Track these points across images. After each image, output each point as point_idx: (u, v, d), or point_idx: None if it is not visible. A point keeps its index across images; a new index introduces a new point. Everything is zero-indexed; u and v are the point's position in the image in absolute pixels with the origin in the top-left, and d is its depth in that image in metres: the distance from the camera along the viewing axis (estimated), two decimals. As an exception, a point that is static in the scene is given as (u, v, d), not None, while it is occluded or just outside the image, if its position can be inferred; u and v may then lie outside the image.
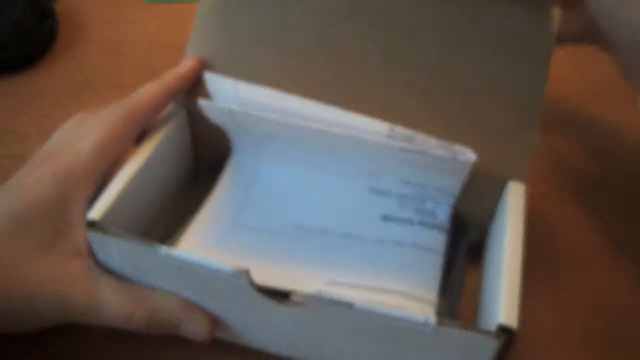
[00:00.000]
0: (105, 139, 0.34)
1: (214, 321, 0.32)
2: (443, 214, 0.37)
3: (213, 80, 0.37)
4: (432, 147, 0.33)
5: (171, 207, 0.39)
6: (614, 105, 0.50)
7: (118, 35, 0.56)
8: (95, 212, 0.31)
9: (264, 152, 0.39)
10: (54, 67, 0.53)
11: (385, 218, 0.37)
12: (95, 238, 0.31)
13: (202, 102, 0.36)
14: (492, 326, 0.28)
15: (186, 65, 0.37)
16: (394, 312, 0.28)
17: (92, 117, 0.35)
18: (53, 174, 0.32)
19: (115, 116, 0.34)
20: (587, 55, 0.45)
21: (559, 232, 0.41)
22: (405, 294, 0.34)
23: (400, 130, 0.34)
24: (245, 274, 0.29)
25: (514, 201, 0.34)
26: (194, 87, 0.38)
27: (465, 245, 0.39)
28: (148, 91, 0.36)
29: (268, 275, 0.31)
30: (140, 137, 0.36)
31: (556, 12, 0.35)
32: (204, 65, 0.38)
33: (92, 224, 0.31)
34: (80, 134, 0.34)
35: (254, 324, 0.32)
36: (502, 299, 0.29)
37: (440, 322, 0.28)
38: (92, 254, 0.32)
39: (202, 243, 0.36)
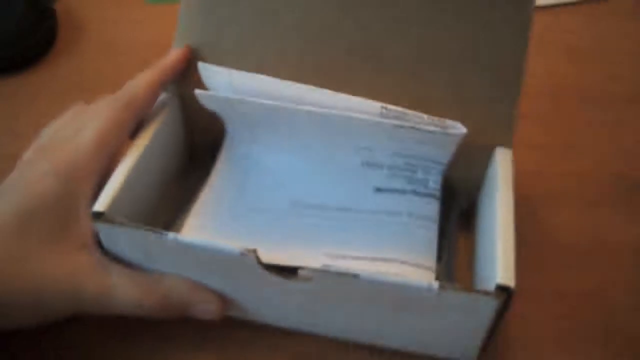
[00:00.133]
0: (104, 132, 0.34)
1: (224, 300, 0.33)
2: (434, 182, 0.38)
3: (207, 71, 0.37)
4: (424, 124, 0.34)
5: (172, 194, 0.39)
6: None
7: (118, 36, 0.55)
8: (101, 204, 0.32)
9: (259, 135, 0.39)
10: (53, 67, 0.53)
11: (379, 189, 0.38)
12: (103, 229, 0.32)
13: (198, 92, 0.36)
14: (491, 286, 0.29)
15: (175, 54, 0.38)
16: (398, 279, 0.29)
17: (88, 110, 0.35)
18: (55, 168, 0.32)
19: (113, 108, 0.34)
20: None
21: (559, 232, 0.41)
22: (405, 261, 0.35)
23: (393, 107, 0.35)
24: (253, 253, 0.30)
25: (502, 166, 0.35)
26: (184, 74, 0.38)
27: (457, 211, 0.40)
28: (142, 82, 0.36)
29: (272, 253, 0.31)
30: (136, 128, 0.36)
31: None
32: (192, 53, 0.38)
33: (99, 215, 0.31)
34: (78, 127, 0.34)
35: (263, 301, 0.34)
36: (498, 260, 0.30)
37: (442, 286, 0.29)
38: (99, 245, 0.33)
39: (206, 226, 0.37)
